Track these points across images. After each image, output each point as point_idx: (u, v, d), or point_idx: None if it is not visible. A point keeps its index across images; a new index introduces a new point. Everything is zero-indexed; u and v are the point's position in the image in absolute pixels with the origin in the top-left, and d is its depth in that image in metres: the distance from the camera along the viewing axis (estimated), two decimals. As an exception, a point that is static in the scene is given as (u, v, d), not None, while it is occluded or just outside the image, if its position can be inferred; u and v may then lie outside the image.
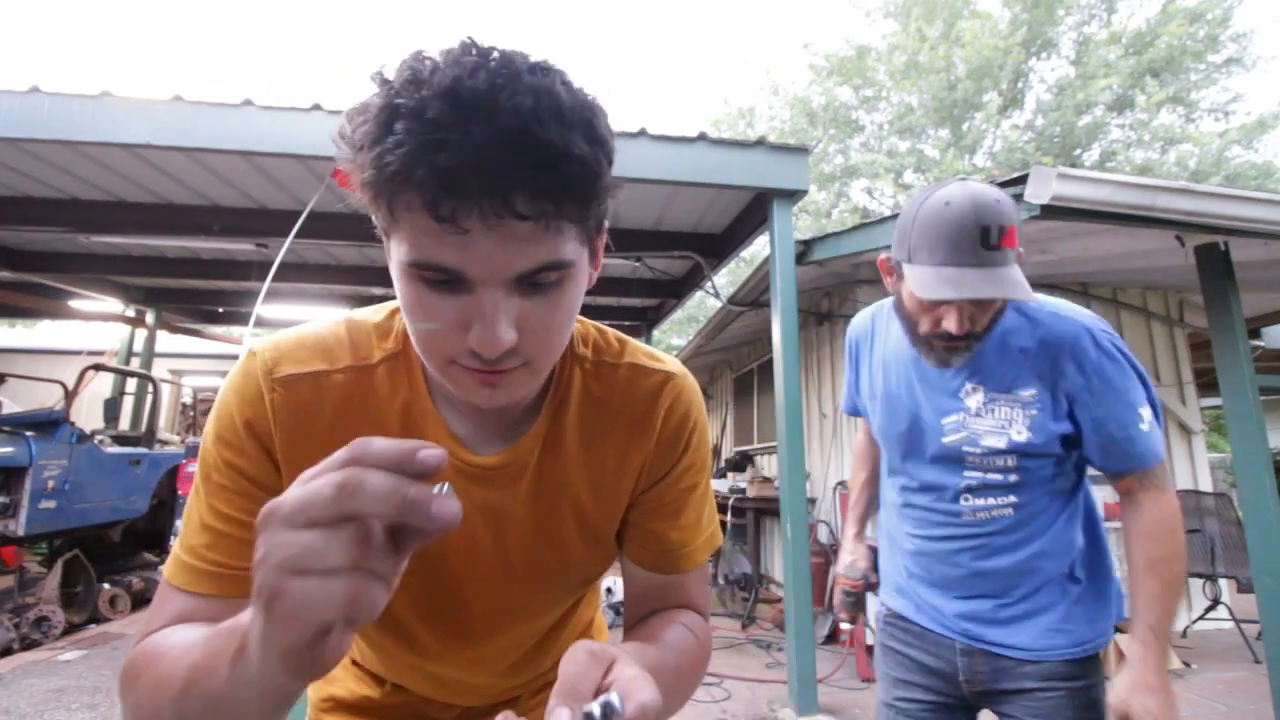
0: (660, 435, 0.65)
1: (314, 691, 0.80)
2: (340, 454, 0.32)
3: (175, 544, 0.58)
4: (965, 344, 1.02)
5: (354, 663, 0.78)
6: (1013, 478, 1.06)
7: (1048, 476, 1.06)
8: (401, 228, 0.44)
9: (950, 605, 1.12)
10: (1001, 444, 1.04)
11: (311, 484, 0.31)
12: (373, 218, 0.47)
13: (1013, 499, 1.06)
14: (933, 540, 1.13)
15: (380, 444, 0.32)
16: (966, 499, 1.09)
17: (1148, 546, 1.00)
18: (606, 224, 0.53)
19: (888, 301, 1.20)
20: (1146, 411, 1.01)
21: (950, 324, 0.98)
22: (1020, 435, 1.03)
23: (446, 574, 0.63)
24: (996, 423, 1.05)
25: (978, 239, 0.92)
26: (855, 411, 1.34)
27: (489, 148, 0.39)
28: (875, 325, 1.24)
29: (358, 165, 0.43)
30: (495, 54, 0.42)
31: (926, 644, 1.15)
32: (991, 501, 1.07)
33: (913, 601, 1.18)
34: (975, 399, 1.07)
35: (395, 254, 0.46)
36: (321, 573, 0.30)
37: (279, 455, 0.56)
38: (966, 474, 1.08)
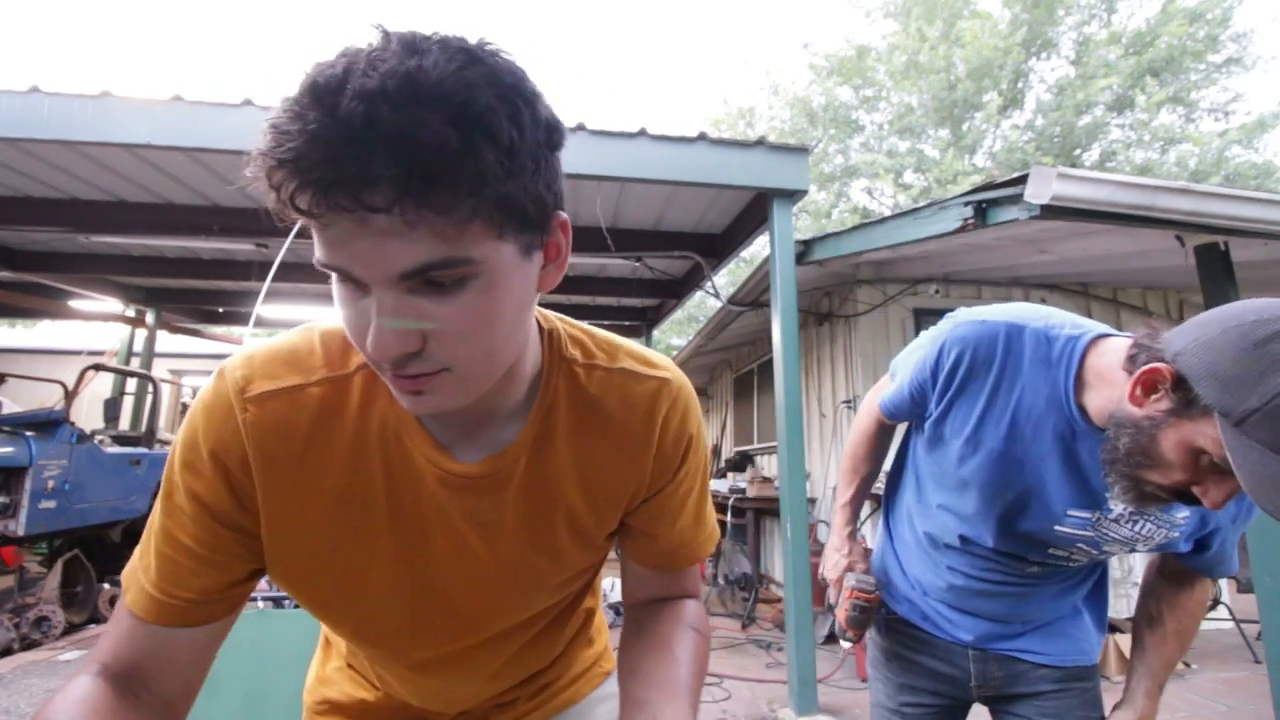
0: (659, 448, 0.63)
1: (309, 694, 0.79)
2: None
3: (136, 552, 0.58)
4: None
5: (349, 665, 0.77)
6: (1097, 560, 1.02)
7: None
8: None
9: (967, 621, 1.09)
10: (1122, 552, 0.99)
11: None
12: None
13: (1084, 565, 1.04)
14: (979, 581, 1.06)
15: None
16: (1036, 566, 1.02)
17: (1182, 620, 1.02)
18: (561, 216, 0.49)
19: (1027, 331, 0.92)
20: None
21: (1213, 501, 0.76)
22: (1145, 547, 0.95)
23: (436, 586, 0.61)
24: (1132, 534, 0.93)
25: None
26: (897, 419, 1.14)
27: (329, 136, 0.36)
28: (1008, 363, 0.93)
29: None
30: (391, 38, 0.39)
31: (935, 650, 1.12)
32: (1061, 565, 1.03)
33: (920, 609, 1.14)
34: (1122, 504, 0.92)
35: None
36: None
37: (255, 477, 0.54)
38: (1051, 551, 0.98)
